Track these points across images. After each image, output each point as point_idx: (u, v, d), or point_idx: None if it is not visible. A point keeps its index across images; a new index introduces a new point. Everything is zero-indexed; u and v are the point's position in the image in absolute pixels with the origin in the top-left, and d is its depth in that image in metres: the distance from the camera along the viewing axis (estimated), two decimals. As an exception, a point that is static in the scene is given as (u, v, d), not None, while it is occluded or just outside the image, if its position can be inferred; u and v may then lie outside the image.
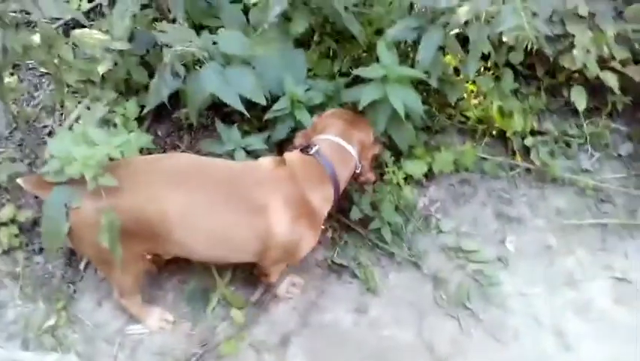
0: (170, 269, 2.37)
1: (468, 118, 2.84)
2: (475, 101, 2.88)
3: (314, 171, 2.03)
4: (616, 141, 2.88)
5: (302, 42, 2.82)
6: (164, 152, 2.69)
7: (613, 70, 2.81)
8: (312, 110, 2.49)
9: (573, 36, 2.78)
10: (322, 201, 2.04)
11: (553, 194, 2.68)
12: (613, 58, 2.83)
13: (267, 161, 2.06)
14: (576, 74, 2.91)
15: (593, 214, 2.62)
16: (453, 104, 2.81)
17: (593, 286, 2.39)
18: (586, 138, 2.86)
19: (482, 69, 2.93)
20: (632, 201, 2.65)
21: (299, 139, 2.23)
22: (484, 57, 2.87)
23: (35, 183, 1.86)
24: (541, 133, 2.83)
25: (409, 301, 2.32)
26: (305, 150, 2.08)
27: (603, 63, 2.83)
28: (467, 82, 2.86)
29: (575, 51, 2.76)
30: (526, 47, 2.87)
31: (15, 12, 2.26)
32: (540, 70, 3.04)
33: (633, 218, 2.58)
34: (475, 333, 2.24)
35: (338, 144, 2.10)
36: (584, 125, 2.89)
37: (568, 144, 2.84)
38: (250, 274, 2.36)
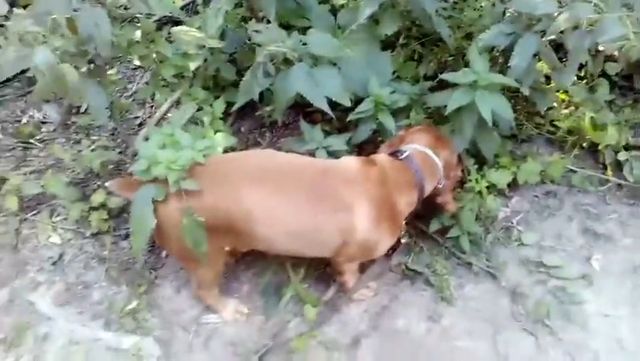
0: (247, 261, 2.43)
1: (557, 128, 2.72)
2: (565, 111, 2.76)
3: (403, 175, 2.05)
4: None
5: (387, 45, 2.82)
6: (247, 148, 2.76)
7: None
8: (396, 113, 2.48)
9: (679, 47, 2.62)
10: (406, 205, 2.06)
11: (645, 212, 2.54)
12: None
13: (352, 160, 2.08)
14: (677, 87, 2.75)
15: (689, 238, 2.45)
16: (542, 113, 2.73)
17: (685, 314, 2.24)
18: (685, 156, 2.68)
19: (576, 78, 2.81)
20: None
21: (384, 149, 2.23)
22: (579, 66, 2.76)
23: (121, 185, 1.96)
24: (636, 148, 2.67)
25: (484, 314, 2.26)
26: (394, 154, 2.10)
27: None
28: (558, 91, 2.76)
29: (678, 63, 2.60)
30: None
31: (119, 7, 2.40)
32: (638, 82, 2.88)
33: None
34: (553, 352, 2.15)
35: (427, 154, 2.11)
36: (683, 143, 2.71)
37: (665, 161, 2.67)
38: (323, 273, 2.38)
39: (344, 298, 2.33)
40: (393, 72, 2.69)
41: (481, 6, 2.84)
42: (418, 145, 2.13)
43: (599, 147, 2.62)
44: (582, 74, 2.86)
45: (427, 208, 2.30)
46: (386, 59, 2.60)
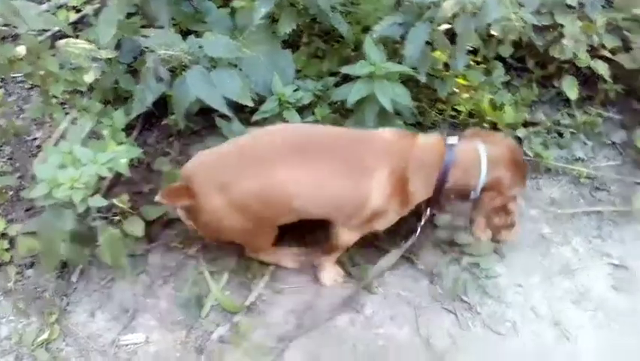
0: (164, 277, 2.36)
1: (459, 112, 2.82)
2: (466, 95, 2.86)
3: (431, 160, 2.04)
4: (609, 128, 2.87)
5: (291, 43, 2.83)
6: (155, 159, 2.67)
7: (603, 58, 2.81)
8: (301, 110, 2.49)
9: (562, 26, 2.79)
10: (420, 188, 2.07)
11: (547, 184, 2.66)
12: (603, 47, 2.84)
13: (391, 133, 2.11)
14: (567, 64, 2.91)
15: (587, 202, 2.60)
16: (444, 98, 2.81)
17: (590, 274, 2.37)
18: (579, 127, 2.84)
19: (473, 63, 2.93)
20: (627, 188, 2.64)
21: (470, 133, 2.22)
22: (474, 51, 2.88)
23: (170, 194, 2.05)
24: (533, 124, 2.82)
25: (404, 298, 2.30)
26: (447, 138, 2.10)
27: (593, 52, 2.84)
28: (457, 76, 2.85)
29: (564, 41, 2.78)
30: (517, 39, 2.91)
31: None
32: (531, 61, 3.04)
33: (628, 204, 2.55)
34: (473, 327, 2.21)
35: (476, 158, 2.03)
36: (577, 114, 2.89)
37: (561, 134, 2.83)
38: (244, 278, 2.35)
39: (267, 300, 2.30)
40: (298, 70, 2.71)
41: (378, -1, 2.90)
42: (481, 146, 2.04)
43: (499, 127, 2.73)
44: (479, 58, 2.98)
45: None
46: (288, 58, 2.60)
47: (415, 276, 2.37)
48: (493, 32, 2.79)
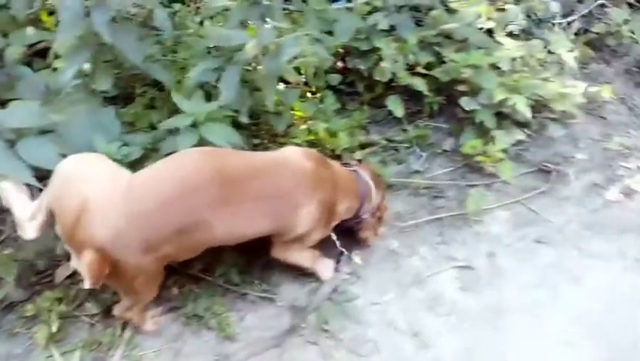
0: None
1: (300, 144, 2.86)
2: (304, 127, 2.92)
3: (351, 185, 2.33)
4: (439, 138, 3.07)
5: (125, 96, 2.74)
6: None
7: (421, 75, 3.01)
8: (133, 166, 2.39)
9: (380, 49, 2.96)
10: (345, 210, 2.32)
11: (389, 200, 2.72)
12: (419, 64, 3.04)
13: (306, 159, 2.19)
14: (393, 84, 3.07)
15: (428, 211, 2.73)
16: (283, 132, 2.85)
17: (439, 279, 2.46)
18: (412, 141, 3.00)
19: (310, 94, 3.02)
20: (461, 192, 2.81)
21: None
22: (306, 83, 2.98)
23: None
24: (370, 145, 2.94)
25: (268, 339, 2.23)
26: (345, 165, 2.43)
27: (412, 70, 3.03)
28: (292, 109, 2.91)
29: (383, 63, 2.94)
30: (345, 67, 3.06)
31: None
32: (360, 86, 3.18)
33: (464, 207, 2.71)
34: (337, 354, 2.20)
35: (369, 183, 2.40)
36: (408, 129, 3.05)
37: (397, 150, 2.97)
38: (99, 352, 2.18)
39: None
40: (131, 123, 2.62)
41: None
42: (363, 173, 2.41)
43: (337, 152, 2.81)
44: (313, 89, 3.07)
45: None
46: (111, 114, 2.49)
47: (276, 314, 2.32)
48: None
